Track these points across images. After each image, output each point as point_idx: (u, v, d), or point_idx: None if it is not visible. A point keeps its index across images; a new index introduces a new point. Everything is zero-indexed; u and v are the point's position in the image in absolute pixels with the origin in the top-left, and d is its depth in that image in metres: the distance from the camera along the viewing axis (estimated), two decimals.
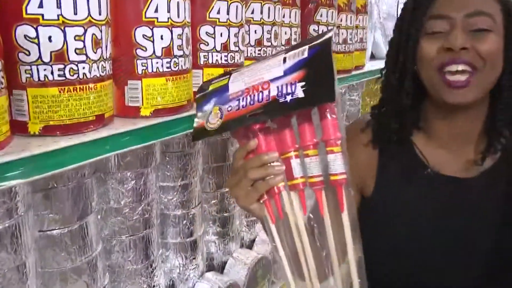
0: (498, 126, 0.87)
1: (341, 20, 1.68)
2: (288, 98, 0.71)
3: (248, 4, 1.17)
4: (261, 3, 1.19)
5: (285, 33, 1.38)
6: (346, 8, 1.69)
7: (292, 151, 0.74)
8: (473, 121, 0.89)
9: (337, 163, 0.72)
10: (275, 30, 1.25)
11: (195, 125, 0.78)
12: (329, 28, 0.73)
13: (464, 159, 0.90)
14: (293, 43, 1.43)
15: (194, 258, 1.28)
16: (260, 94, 0.73)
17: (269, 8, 1.22)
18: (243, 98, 0.75)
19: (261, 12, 1.20)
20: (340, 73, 1.72)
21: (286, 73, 0.73)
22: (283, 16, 1.36)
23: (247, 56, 1.19)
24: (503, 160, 0.88)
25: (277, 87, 0.72)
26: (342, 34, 1.70)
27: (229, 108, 0.75)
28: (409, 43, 0.87)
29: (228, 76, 0.81)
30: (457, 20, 0.81)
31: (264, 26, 1.22)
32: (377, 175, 0.95)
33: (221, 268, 1.45)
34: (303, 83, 0.71)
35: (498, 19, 0.82)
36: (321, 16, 1.53)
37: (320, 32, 1.53)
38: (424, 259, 0.88)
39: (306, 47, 0.75)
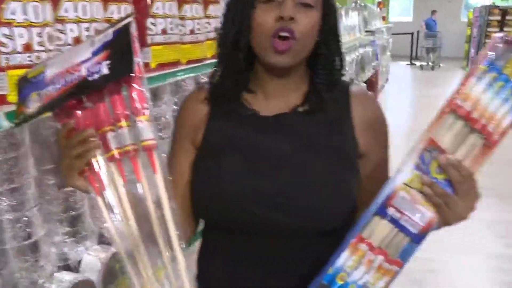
0: (318, 88, 1.01)
1: (185, 11, 1.71)
2: (96, 76, 0.79)
3: (61, 3, 1.18)
4: (73, 1, 1.20)
5: None
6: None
7: (108, 126, 0.82)
8: (297, 82, 1.03)
9: (146, 131, 0.82)
10: (95, 28, 1.26)
11: (16, 111, 0.84)
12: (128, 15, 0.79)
13: (286, 106, 1.03)
14: None
15: (37, 261, 1.28)
16: (73, 75, 0.81)
17: (84, 5, 1.23)
18: (58, 81, 0.81)
19: (76, 10, 1.21)
20: (191, 62, 1.77)
21: (94, 54, 0.82)
22: (112, 13, 1.37)
23: None
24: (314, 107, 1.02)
25: (87, 68, 0.80)
26: (189, 25, 1.74)
27: (47, 92, 0.81)
28: (246, 9, 0.95)
29: (44, 62, 0.88)
30: None
31: (81, 24, 1.23)
32: (206, 125, 1.04)
33: (77, 267, 1.45)
34: (108, 61, 0.80)
35: None
36: (157, 9, 1.55)
37: (157, 25, 1.56)
38: (252, 193, 0.97)
39: (111, 30, 0.83)
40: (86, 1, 1.23)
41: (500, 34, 0.90)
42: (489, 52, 0.88)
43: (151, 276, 0.85)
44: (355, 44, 5.79)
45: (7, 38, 1.02)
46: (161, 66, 1.60)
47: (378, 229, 0.89)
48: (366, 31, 7.80)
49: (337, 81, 1.05)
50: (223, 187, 0.98)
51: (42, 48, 1.08)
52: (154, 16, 1.54)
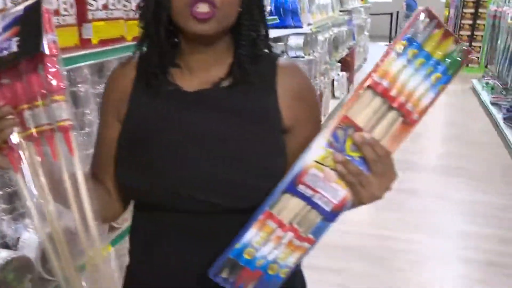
0: (240, 59, 0.99)
1: None
2: (5, 52, 0.79)
3: None
4: None
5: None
6: None
7: (25, 104, 0.82)
8: (221, 55, 1.01)
9: (62, 111, 0.82)
10: None
11: None
12: None
13: (210, 82, 1.01)
14: (64, 13, 1.43)
15: None
16: None
17: None
18: None
19: None
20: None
21: (4, 29, 0.81)
22: None
23: None
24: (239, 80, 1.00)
25: None
26: (135, 0, 1.72)
27: None
28: None
29: None
30: None
31: None
32: (129, 100, 1.03)
33: (16, 244, 1.45)
34: (17, 38, 0.79)
35: None
36: None
37: (98, 0, 1.55)
38: (173, 171, 0.97)
39: (22, 5, 0.82)
40: None
41: (422, 8, 0.85)
42: (412, 26, 0.84)
43: (68, 255, 0.86)
44: (327, 23, 5.76)
45: None
46: (104, 42, 1.58)
47: (289, 206, 0.88)
48: (342, 11, 7.77)
49: (262, 53, 1.03)
50: (144, 166, 0.98)
51: None
52: None
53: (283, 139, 1.02)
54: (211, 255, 0.96)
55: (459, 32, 10.32)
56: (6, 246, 1.42)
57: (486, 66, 8.40)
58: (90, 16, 1.53)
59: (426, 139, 5.93)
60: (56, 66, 0.81)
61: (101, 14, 1.56)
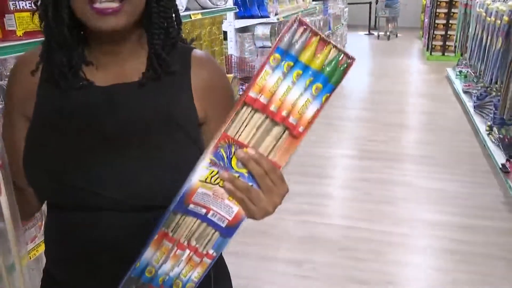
0: (156, 49, 0.96)
1: None
2: None
3: None
4: None
5: None
6: None
7: None
8: (133, 48, 0.98)
9: None
10: None
11: None
12: None
13: (125, 76, 0.97)
14: None
15: None
16: None
17: None
18: None
19: None
20: None
21: None
22: None
23: None
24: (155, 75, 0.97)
25: None
26: None
27: None
28: None
29: None
30: None
31: None
32: (37, 96, 0.98)
33: None
34: None
35: None
36: None
37: None
38: (76, 170, 0.94)
39: None
40: None
41: (296, 16, 0.79)
42: (284, 37, 0.78)
43: None
44: (297, 13, 5.73)
45: None
46: (29, 34, 1.54)
47: (184, 225, 0.87)
48: (315, 0, 7.75)
49: (176, 43, 1.00)
50: (50, 163, 0.95)
51: None
52: None
53: (197, 134, 1.00)
54: (121, 253, 0.93)
55: (434, 21, 10.33)
56: None
57: (461, 55, 8.43)
58: (11, 7, 1.48)
59: (397, 127, 5.96)
60: None
61: (24, 4, 1.51)
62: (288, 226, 3.51)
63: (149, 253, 0.88)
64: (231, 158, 0.83)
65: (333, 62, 0.79)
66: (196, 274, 0.91)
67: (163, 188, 0.92)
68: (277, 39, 0.79)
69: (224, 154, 0.82)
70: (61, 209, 1.00)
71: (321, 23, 7.57)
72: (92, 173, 0.93)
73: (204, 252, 0.89)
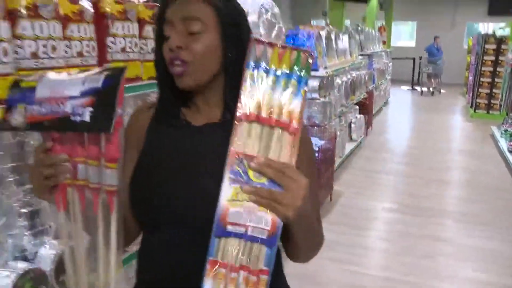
0: (227, 100, 1.10)
1: (146, 32, 1.89)
2: (78, 118, 0.89)
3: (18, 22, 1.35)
4: (31, 21, 1.37)
5: (75, 46, 1.58)
6: (152, 21, 1.91)
7: (81, 157, 0.94)
8: (217, 94, 1.12)
9: (111, 177, 0.94)
10: (51, 44, 1.44)
11: (2, 115, 0.94)
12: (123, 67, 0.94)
13: (212, 117, 1.14)
14: (86, 54, 1.62)
15: None
16: (58, 106, 0.91)
17: (41, 24, 1.40)
18: (45, 106, 0.92)
19: (33, 28, 1.38)
20: (152, 79, 1.94)
21: (82, 94, 0.91)
22: (71, 31, 1.55)
23: (22, 67, 1.37)
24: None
25: (72, 106, 0.90)
26: (150, 44, 1.92)
27: (33, 112, 0.92)
28: (156, 46, 1.10)
29: (38, 78, 0.97)
30: (175, 23, 1.03)
31: (38, 41, 1.40)
32: (146, 135, 1.17)
33: (34, 258, 1.60)
34: (91, 109, 0.89)
35: (209, 20, 1.04)
36: (117, 29, 1.73)
37: (117, 44, 1.73)
38: (173, 190, 1.09)
39: (102, 76, 0.92)
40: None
41: (252, 37, 0.95)
42: (249, 56, 0.92)
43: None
44: (344, 67, 5.94)
45: None
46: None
47: (229, 248, 0.92)
48: (361, 55, 7.97)
49: None
50: (151, 190, 1.11)
51: None
52: (114, 35, 1.72)
53: None
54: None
55: (479, 79, 10.38)
56: (25, 259, 1.58)
57: (507, 114, 8.42)
58: (109, 57, 1.71)
59: (438, 183, 5.99)
60: (117, 138, 0.92)
61: (119, 55, 1.74)
62: (331, 273, 3.59)
63: (208, 283, 0.92)
64: (247, 172, 0.90)
65: (298, 60, 0.92)
66: None
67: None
68: (245, 60, 0.92)
69: (240, 170, 0.90)
70: (156, 228, 1.14)
71: (366, 77, 7.74)
72: (178, 198, 1.08)
73: (258, 269, 0.92)
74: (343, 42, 6.20)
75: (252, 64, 0.92)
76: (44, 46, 1.42)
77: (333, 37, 5.69)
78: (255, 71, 0.92)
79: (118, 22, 1.72)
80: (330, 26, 6.53)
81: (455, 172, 6.64)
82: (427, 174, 6.37)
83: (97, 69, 0.97)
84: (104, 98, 0.89)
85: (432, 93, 14.32)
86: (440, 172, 6.54)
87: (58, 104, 0.90)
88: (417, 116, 11.47)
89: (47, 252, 1.61)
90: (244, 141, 0.91)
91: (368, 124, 8.34)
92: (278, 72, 0.92)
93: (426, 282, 3.55)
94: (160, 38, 1.08)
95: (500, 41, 9.99)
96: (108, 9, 1.69)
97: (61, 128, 0.91)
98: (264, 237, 0.91)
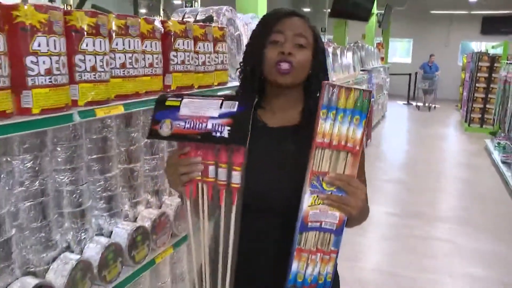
0: (309, 105, 1.38)
1: (199, 48, 2.22)
2: (218, 134, 1.15)
3: (113, 39, 1.69)
4: (122, 38, 1.71)
5: (148, 58, 1.91)
6: (203, 38, 2.24)
7: (211, 161, 1.20)
8: (295, 101, 1.40)
9: (237, 177, 1.20)
10: (135, 57, 1.77)
11: (151, 126, 1.20)
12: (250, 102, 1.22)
13: (287, 121, 1.40)
14: (155, 66, 1.95)
15: (84, 224, 1.75)
16: (200, 124, 1.17)
17: (129, 41, 1.74)
18: (188, 122, 1.17)
19: (123, 44, 1.72)
20: (202, 87, 2.28)
21: (220, 116, 1.17)
22: (145, 46, 1.88)
23: (114, 75, 1.70)
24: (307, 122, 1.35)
25: (212, 124, 1.16)
26: (201, 58, 2.25)
27: (178, 125, 1.18)
28: (260, 49, 1.36)
29: (181, 99, 1.22)
30: (288, 36, 1.33)
31: (126, 54, 1.73)
32: None
33: (109, 236, 1.92)
34: (229, 128, 1.15)
35: (310, 40, 1.35)
36: (178, 45, 2.06)
37: (178, 57, 2.07)
38: (263, 182, 1.33)
39: (237, 103, 1.19)
40: (130, 37, 1.74)
41: (326, 82, 1.19)
42: (323, 97, 1.17)
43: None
44: (348, 81, 6.30)
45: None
46: (180, 88, 2.10)
47: (309, 238, 1.22)
48: (362, 70, 8.34)
49: None
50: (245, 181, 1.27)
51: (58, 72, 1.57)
52: (176, 50, 2.05)
53: None
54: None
55: (473, 95, 10.78)
56: (102, 235, 1.89)
57: (499, 127, 8.80)
58: (171, 69, 2.05)
59: (438, 193, 6.33)
60: (244, 149, 1.17)
61: (180, 67, 2.08)
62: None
63: (295, 265, 1.23)
64: (322, 184, 1.20)
65: (360, 99, 1.17)
66: (329, 268, 1.25)
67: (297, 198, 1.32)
68: (320, 101, 1.18)
69: (317, 183, 1.20)
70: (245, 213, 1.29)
71: None
72: (262, 188, 1.33)
73: (329, 250, 1.23)
74: (347, 57, 6.57)
75: (325, 103, 1.18)
76: (130, 58, 1.75)
77: (338, 52, 6.05)
78: (328, 109, 1.18)
79: (180, 39, 2.06)
80: (335, 43, 6.90)
81: (451, 181, 6.99)
82: (425, 183, 6.72)
83: (222, 94, 1.26)
84: (240, 120, 1.15)
85: (429, 108, 14.72)
86: (437, 181, 6.88)
87: (200, 122, 1.16)
88: (414, 129, 11.86)
89: (120, 231, 1.93)
90: (320, 163, 1.20)
91: (368, 136, 8.67)
92: (345, 109, 1.18)
93: (425, 276, 3.87)
94: (263, 46, 1.34)
95: (493, 59, 10.43)
96: (172, 28, 2.03)
97: (203, 140, 1.16)
98: (333, 228, 1.22)
